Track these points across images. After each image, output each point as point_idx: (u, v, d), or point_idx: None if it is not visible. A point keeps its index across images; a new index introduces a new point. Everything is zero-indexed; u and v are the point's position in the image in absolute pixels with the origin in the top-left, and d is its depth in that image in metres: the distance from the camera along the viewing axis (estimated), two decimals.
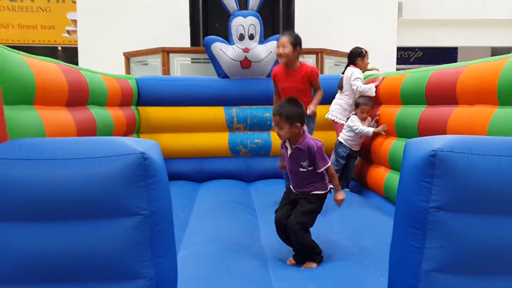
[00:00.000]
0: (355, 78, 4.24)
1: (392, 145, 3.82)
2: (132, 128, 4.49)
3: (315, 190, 2.54)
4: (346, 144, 4.21)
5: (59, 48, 11.24)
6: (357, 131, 4.14)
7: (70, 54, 10.76)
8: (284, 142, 2.61)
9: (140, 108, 4.73)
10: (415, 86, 3.46)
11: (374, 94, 4.21)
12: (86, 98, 3.18)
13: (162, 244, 1.74)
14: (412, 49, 11.99)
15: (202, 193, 4.16)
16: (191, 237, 2.86)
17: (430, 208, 1.68)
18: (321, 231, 2.93)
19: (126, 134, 4.24)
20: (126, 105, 4.33)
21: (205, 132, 4.83)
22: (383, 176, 3.91)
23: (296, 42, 3.41)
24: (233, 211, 3.43)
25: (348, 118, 4.29)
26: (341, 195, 2.55)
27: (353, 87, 4.25)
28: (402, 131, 3.69)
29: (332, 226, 3.13)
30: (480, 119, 2.50)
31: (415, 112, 3.42)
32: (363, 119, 4.21)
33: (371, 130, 4.11)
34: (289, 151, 2.55)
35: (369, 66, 4.66)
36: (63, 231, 1.61)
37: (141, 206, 1.64)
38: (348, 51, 6.32)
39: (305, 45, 6.57)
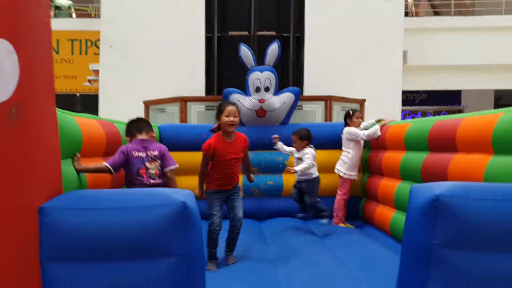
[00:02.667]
0: (354, 134, 4.65)
1: (397, 187, 4.06)
2: None
3: None
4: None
5: (77, 95, 11.78)
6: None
7: (88, 101, 11.28)
8: None
9: None
10: (419, 134, 3.74)
11: (380, 134, 4.57)
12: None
13: (196, 281, 1.99)
14: (417, 92, 12.37)
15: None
16: (213, 273, 3.10)
17: (434, 245, 1.92)
18: (332, 264, 3.16)
19: None
20: None
21: None
22: (389, 215, 4.14)
23: (239, 110, 3.39)
24: (249, 248, 3.69)
25: (345, 170, 4.68)
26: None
27: (358, 139, 4.66)
28: (407, 174, 3.93)
29: (343, 260, 3.36)
30: (477, 166, 2.74)
31: (419, 158, 3.67)
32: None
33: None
34: None
35: (378, 117, 5.00)
36: (115, 269, 1.87)
37: (181, 247, 1.90)
38: (354, 97, 6.70)
39: (314, 92, 6.99)
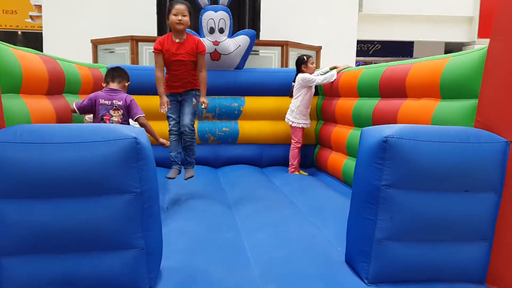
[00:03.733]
0: (309, 80, 4.59)
1: (349, 134, 4.14)
2: None
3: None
4: None
5: (19, 32, 10.97)
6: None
7: (30, 39, 10.52)
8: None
9: None
10: (370, 80, 3.77)
11: (335, 78, 4.59)
12: (63, 87, 3.32)
13: (150, 219, 1.97)
14: (371, 42, 12.48)
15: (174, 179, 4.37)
16: (170, 215, 3.09)
17: (382, 186, 1.98)
18: (287, 209, 3.24)
19: None
20: None
21: None
22: (342, 162, 4.25)
23: (190, 11, 3.34)
24: (204, 193, 3.68)
25: (293, 118, 4.68)
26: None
27: (313, 84, 4.63)
28: (358, 121, 4.00)
29: (298, 203, 3.46)
30: (426, 110, 2.82)
31: (370, 104, 3.73)
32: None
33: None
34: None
35: (333, 65, 5.00)
36: (63, 207, 1.81)
37: (134, 185, 1.86)
38: (311, 44, 6.65)
39: (270, 37, 6.86)
